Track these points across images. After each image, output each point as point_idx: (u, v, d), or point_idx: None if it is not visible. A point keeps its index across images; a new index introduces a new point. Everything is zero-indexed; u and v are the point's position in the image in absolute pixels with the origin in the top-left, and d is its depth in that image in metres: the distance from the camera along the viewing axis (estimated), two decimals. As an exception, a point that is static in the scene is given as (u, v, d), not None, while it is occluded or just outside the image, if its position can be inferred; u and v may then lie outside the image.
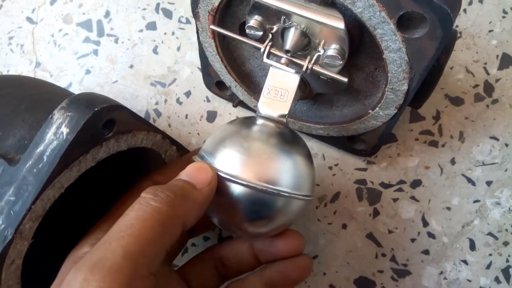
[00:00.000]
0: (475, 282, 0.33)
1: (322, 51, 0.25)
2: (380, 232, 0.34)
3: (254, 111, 0.36)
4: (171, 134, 0.30)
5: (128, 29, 0.41)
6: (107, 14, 0.42)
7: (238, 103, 0.35)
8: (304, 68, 0.25)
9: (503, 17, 0.37)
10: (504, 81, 0.36)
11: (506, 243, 0.33)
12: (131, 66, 0.40)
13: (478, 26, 0.37)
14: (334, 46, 0.25)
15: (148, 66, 0.40)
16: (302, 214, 0.26)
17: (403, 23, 0.23)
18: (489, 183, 0.34)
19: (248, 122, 0.26)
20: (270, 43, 0.26)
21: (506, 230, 0.33)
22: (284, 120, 0.26)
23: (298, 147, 0.25)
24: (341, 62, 0.25)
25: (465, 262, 0.33)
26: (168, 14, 0.41)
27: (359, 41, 0.26)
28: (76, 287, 0.18)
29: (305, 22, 0.25)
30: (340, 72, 0.26)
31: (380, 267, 0.34)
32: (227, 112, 0.38)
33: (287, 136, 0.25)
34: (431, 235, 0.34)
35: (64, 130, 0.22)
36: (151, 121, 0.39)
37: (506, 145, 0.35)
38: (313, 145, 0.36)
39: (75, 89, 0.40)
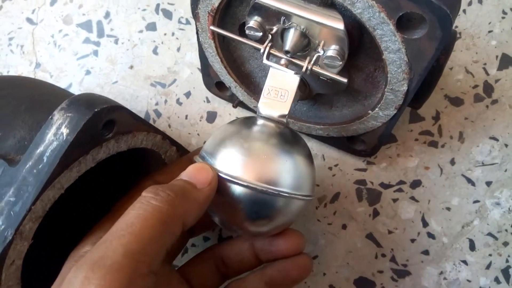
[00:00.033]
0: (474, 283, 0.33)
1: (321, 52, 0.25)
2: (380, 232, 0.34)
3: (254, 111, 0.36)
4: (171, 135, 0.30)
5: (128, 30, 0.41)
6: (107, 14, 0.42)
7: (238, 103, 0.35)
8: (303, 69, 0.25)
9: (503, 17, 0.37)
10: (503, 82, 0.36)
11: (505, 243, 0.33)
12: (131, 67, 0.40)
13: (478, 27, 0.37)
14: (333, 46, 0.25)
15: (148, 66, 0.40)
16: (302, 214, 0.26)
17: (403, 24, 0.23)
18: (488, 183, 0.34)
19: (248, 122, 0.26)
20: (269, 44, 0.26)
21: (506, 230, 0.33)
22: (284, 120, 0.26)
23: (299, 147, 0.25)
24: (340, 62, 0.25)
25: (465, 262, 0.33)
26: (168, 14, 0.41)
27: (358, 42, 0.26)
28: (77, 285, 0.18)
29: (304, 23, 0.25)
30: (339, 73, 0.26)
31: (380, 267, 0.34)
32: (227, 112, 0.38)
33: (288, 136, 0.25)
34: (431, 236, 0.34)
35: (64, 130, 0.22)
36: (151, 121, 0.39)
37: (506, 145, 0.35)
38: (313, 145, 0.36)
39: (75, 90, 0.40)
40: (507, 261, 0.33)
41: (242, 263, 0.28)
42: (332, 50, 0.25)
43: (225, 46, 0.32)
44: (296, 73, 0.26)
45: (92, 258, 0.19)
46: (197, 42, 0.32)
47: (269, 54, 0.26)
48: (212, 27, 0.28)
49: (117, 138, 0.25)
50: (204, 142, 0.27)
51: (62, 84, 0.40)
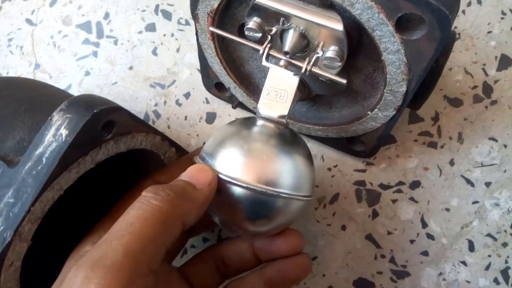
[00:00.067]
0: (474, 283, 0.33)
1: (321, 53, 0.25)
2: (379, 233, 0.34)
3: (253, 112, 0.36)
4: (171, 136, 0.30)
5: (127, 31, 0.41)
6: (107, 15, 0.42)
7: (237, 104, 0.35)
8: (303, 70, 0.25)
9: (502, 18, 0.37)
10: (503, 82, 0.36)
11: (505, 244, 0.33)
12: (131, 68, 0.40)
13: (477, 27, 0.37)
14: (332, 47, 0.25)
15: (147, 67, 0.40)
16: (302, 214, 0.26)
17: (402, 25, 0.23)
18: (488, 184, 0.34)
19: (248, 123, 0.26)
20: (269, 45, 0.26)
21: (505, 231, 0.33)
22: (284, 121, 0.26)
23: (298, 147, 0.25)
24: (339, 63, 0.25)
25: (464, 263, 0.33)
26: (167, 15, 0.41)
27: (357, 43, 0.26)
28: (77, 284, 0.18)
29: (304, 24, 0.25)
30: (338, 74, 0.26)
31: (379, 268, 0.34)
32: (227, 113, 0.38)
33: (287, 137, 0.26)
34: (430, 236, 0.34)
35: (63, 132, 0.22)
36: (150, 122, 0.39)
37: (505, 146, 0.35)
38: (312, 146, 0.36)
39: (75, 91, 0.40)
40: (506, 262, 0.33)
41: (241, 263, 0.28)
42: (331, 51, 0.25)
43: (224, 47, 0.32)
44: (295, 74, 0.26)
45: (93, 258, 0.19)
46: (196, 43, 0.32)
47: (268, 55, 0.26)
48: (211, 28, 0.28)
49: (116, 139, 0.25)
50: (204, 143, 0.27)
51: (61, 85, 0.40)
